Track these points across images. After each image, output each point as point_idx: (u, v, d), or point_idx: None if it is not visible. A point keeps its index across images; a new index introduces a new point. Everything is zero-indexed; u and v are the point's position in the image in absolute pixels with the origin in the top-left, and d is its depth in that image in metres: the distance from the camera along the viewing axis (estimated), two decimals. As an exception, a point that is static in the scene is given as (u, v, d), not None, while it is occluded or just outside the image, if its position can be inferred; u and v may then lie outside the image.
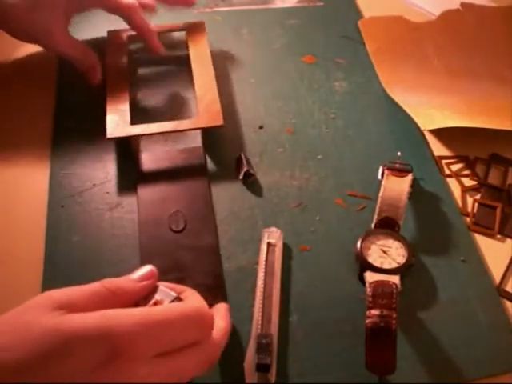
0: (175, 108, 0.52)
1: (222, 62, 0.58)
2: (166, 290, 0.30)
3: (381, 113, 0.54)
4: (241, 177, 0.47)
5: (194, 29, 0.56)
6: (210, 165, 0.48)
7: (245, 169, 0.47)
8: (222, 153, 0.49)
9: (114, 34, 0.55)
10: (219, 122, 0.46)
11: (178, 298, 0.30)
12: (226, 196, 0.46)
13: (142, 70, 0.56)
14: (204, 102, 0.48)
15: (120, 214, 0.44)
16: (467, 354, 0.37)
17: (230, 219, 0.44)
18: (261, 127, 0.52)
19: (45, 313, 0.25)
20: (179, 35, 0.58)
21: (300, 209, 0.45)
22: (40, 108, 0.52)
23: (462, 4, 0.63)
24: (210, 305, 0.32)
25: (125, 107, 0.47)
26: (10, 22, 0.49)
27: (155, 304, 0.29)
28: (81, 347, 0.24)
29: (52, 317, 0.25)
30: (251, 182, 0.47)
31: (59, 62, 0.56)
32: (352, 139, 0.51)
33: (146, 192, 0.44)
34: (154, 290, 0.30)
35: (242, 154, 0.48)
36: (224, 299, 0.39)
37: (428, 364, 0.37)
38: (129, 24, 0.52)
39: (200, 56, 0.53)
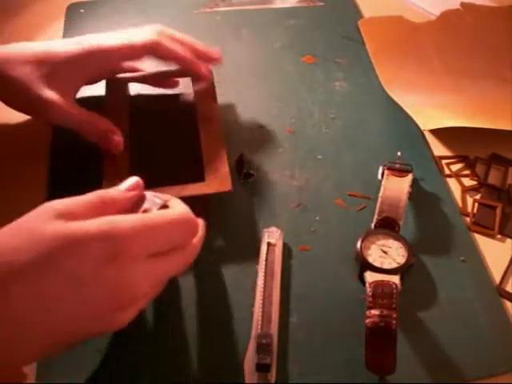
0: (178, 166, 0.47)
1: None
2: (153, 198, 0.33)
3: (381, 113, 0.54)
4: (241, 177, 0.47)
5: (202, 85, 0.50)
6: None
7: (245, 169, 0.47)
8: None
9: (113, 83, 0.49)
10: (227, 187, 0.42)
11: (164, 206, 0.33)
12: (226, 196, 0.46)
13: (143, 122, 0.49)
14: (210, 162, 0.43)
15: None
16: (467, 354, 0.37)
17: (230, 219, 0.44)
18: (261, 127, 0.52)
19: (49, 220, 0.28)
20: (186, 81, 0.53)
21: (300, 209, 0.45)
22: (33, 178, 0.47)
23: (462, 4, 0.63)
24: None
25: (124, 173, 0.41)
26: (15, 92, 0.43)
27: (144, 211, 0.32)
28: (87, 247, 0.27)
29: (58, 224, 0.27)
30: (251, 182, 0.47)
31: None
32: (352, 139, 0.51)
33: None
34: (142, 199, 0.33)
35: (242, 154, 0.48)
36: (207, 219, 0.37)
37: (428, 364, 0.37)
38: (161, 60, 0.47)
39: (207, 112, 0.48)
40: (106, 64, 0.46)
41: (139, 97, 0.52)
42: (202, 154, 0.44)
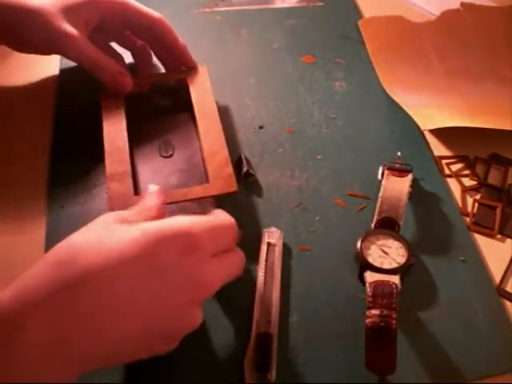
0: (181, 168, 0.45)
1: (221, 63, 0.58)
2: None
3: (381, 113, 0.54)
4: (241, 177, 0.47)
5: (196, 75, 0.50)
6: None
7: (245, 169, 0.47)
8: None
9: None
10: (232, 187, 0.41)
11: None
12: (226, 196, 0.46)
13: (141, 122, 0.48)
14: (213, 163, 0.42)
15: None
16: (467, 354, 0.37)
17: (230, 219, 0.44)
18: (261, 127, 0.52)
19: (120, 226, 0.30)
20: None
21: (300, 209, 0.45)
22: (39, 116, 0.51)
23: (462, 4, 0.63)
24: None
25: (126, 173, 0.41)
26: (34, 26, 0.44)
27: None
28: (173, 241, 0.29)
29: (134, 227, 0.30)
30: (251, 182, 0.47)
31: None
32: (352, 139, 0.51)
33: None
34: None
35: (242, 154, 0.48)
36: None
37: (428, 364, 0.37)
38: (158, 39, 0.50)
39: (205, 107, 0.47)
40: (115, 10, 0.48)
41: (133, 97, 0.48)
42: (204, 155, 0.43)
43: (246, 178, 0.47)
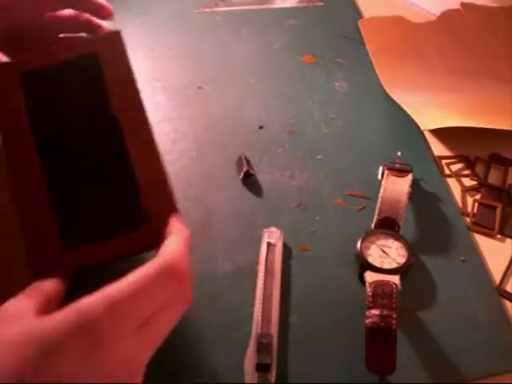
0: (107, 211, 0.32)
1: (221, 63, 0.58)
2: None
3: (381, 113, 0.54)
4: (241, 177, 0.47)
5: (109, 47, 0.35)
6: (211, 164, 0.48)
7: (245, 169, 0.47)
8: (221, 153, 0.49)
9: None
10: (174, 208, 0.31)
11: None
12: (226, 196, 0.46)
13: (46, 122, 0.33)
14: (152, 202, 0.31)
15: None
16: (467, 354, 0.37)
17: (230, 219, 0.44)
18: (261, 127, 0.52)
19: (10, 324, 0.24)
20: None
21: (300, 209, 0.45)
22: None
23: (462, 4, 0.63)
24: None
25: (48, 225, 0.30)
26: None
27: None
28: (62, 344, 0.24)
29: (21, 327, 0.24)
30: (251, 182, 0.47)
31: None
32: (352, 139, 0.51)
33: None
34: None
35: (242, 154, 0.48)
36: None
37: (428, 364, 0.37)
38: None
39: (133, 120, 0.33)
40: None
41: (32, 76, 0.34)
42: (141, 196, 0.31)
43: (245, 178, 0.47)
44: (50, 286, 0.28)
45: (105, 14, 0.40)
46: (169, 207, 0.31)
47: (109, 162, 0.32)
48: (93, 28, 0.41)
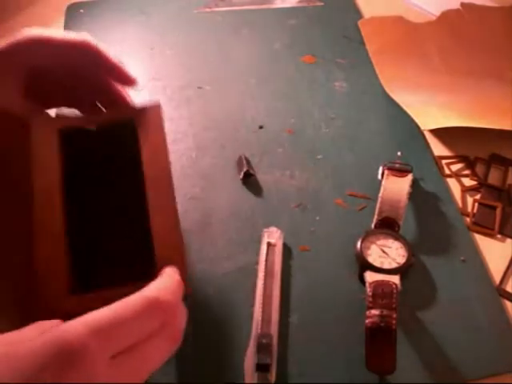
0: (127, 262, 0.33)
1: (221, 63, 0.58)
2: None
3: (381, 113, 0.54)
4: (241, 177, 0.47)
5: (147, 118, 0.36)
6: (211, 164, 0.48)
7: (245, 169, 0.47)
8: (221, 153, 0.49)
9: (39, 122, 0.35)
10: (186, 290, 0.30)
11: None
12: (226, 196, 0.46)
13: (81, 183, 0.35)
14: (165, 255, 0.31)
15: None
16: (467, 354, 0.37)
17: (230, 219, 0.44)
18: (261, 127, 0.52)
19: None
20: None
21: (300, 209, 0.45)
22: None
23: (462, 4, 0.63)
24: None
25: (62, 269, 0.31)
26: None
27: None
28: (35, 369, 0.23)
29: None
30: (251, 182, 0.47)
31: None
32: (352, 139, 0.51)
33: None
34: None
35: (242, 154, 0.48)
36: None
37: (428, 364, 0.37)
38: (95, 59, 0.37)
39: (156, 170, 0.34)
40: (39, 53, 0.37)
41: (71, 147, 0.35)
42: (154, 244, 0.32)
43: (245, 178, 0.47)
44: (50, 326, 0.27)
45: (130, 83, 0.40)
46: (178, 262, 0.31)
47: (131, 220, 0.34)
48: (120, 100, 0.41)
